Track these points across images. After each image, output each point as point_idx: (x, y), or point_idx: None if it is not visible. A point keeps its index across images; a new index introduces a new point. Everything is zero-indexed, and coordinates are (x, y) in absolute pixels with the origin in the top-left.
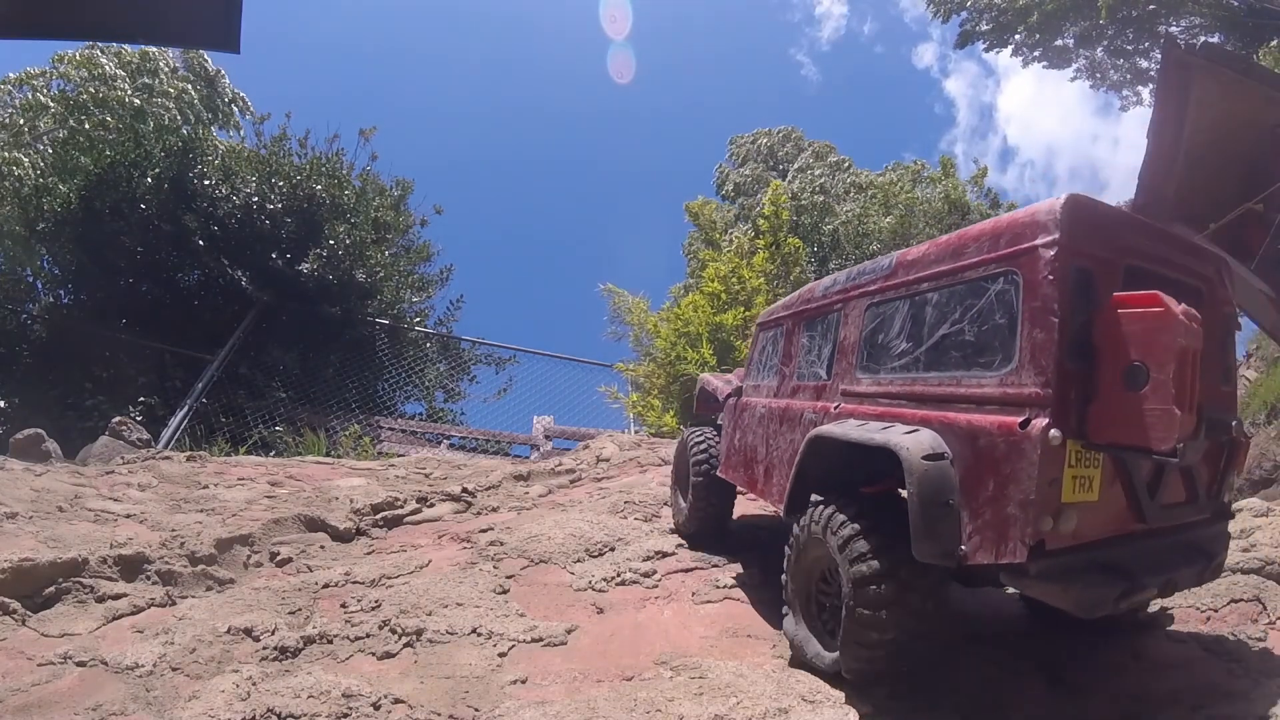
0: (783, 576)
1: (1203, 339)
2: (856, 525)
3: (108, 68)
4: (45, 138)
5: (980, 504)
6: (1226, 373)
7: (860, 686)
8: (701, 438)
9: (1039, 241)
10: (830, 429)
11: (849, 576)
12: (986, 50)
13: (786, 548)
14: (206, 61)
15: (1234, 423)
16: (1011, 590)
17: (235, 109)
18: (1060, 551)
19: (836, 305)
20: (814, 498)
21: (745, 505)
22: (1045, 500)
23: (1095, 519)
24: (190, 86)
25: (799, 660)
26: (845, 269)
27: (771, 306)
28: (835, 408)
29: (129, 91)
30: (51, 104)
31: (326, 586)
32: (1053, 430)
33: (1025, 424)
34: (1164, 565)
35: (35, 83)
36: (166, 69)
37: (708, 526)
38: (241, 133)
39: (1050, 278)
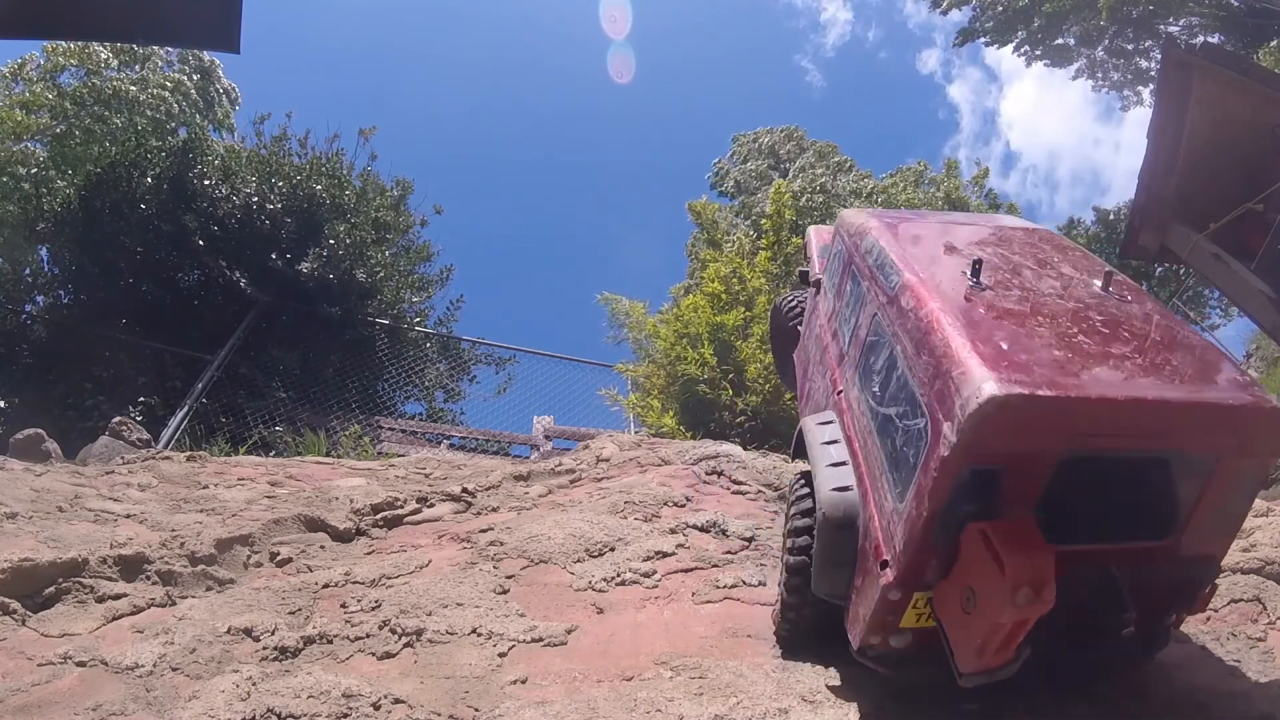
0: (780, 536)
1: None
2: (801, 483)
3: (101, 55)
4: (44, 134)
5: (857, 580)
6: (1228, 522)
7: (859, 685)
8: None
9: (944, 427)
10: (807, 423)
11: (787, 530)
12: (988, 45)
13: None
14: (201, 53)
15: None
16: None
17: (226, 100)
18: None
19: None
20: None
21: (748, 506)
22: (881, 624)
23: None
24: (185, 78)
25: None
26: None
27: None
28: (838, 394)
29: (124, 80)
30: (49, 97)
31: (326, 586)
32: (893, 592)
33: (884, 565)
34: None
35: (30, 76)
36: (160, 59)
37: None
38: (235, 133)
39: (936, 475)
